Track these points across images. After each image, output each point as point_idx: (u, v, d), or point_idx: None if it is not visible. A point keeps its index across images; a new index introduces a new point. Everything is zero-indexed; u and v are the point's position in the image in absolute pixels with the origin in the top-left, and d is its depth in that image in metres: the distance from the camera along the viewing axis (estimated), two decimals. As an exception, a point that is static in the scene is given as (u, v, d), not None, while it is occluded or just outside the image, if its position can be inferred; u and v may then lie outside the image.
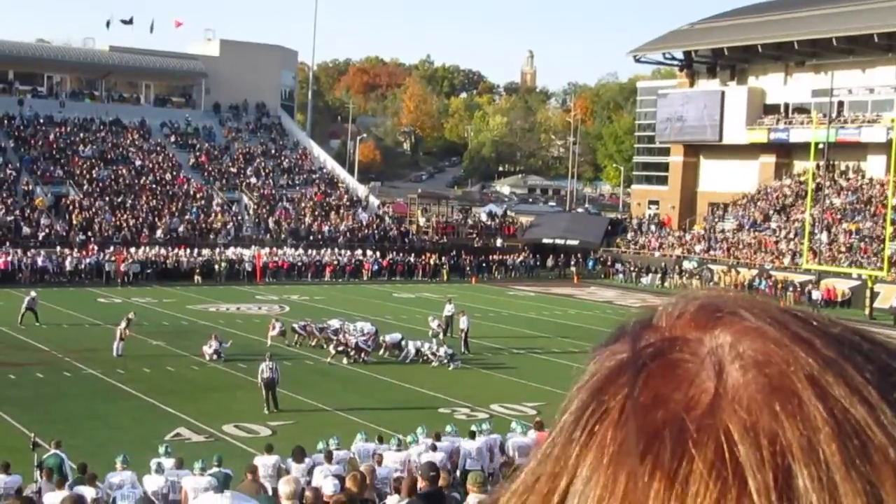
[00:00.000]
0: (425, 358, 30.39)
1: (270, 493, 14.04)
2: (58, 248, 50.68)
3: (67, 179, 59.66)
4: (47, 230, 53.20)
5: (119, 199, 58.68)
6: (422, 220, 68.23)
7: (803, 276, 52.63)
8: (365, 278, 55.50)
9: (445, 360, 30.05)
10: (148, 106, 72.10)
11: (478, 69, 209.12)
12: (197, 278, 50.66)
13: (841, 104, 63.22)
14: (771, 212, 63.53)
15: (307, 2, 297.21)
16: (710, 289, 0.76)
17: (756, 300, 0.71)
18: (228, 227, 59.05)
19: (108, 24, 74.87)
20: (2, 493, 14.38)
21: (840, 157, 63.61)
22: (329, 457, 15.58)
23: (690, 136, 69.75)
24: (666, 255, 62.34)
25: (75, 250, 50.75)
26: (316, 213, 63.27)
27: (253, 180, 65.84)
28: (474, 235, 66.60)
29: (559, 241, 65.32)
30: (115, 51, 71.86)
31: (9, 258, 48.40)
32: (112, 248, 51.53)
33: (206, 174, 65.33)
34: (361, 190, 70.23)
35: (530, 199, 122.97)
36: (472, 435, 17.71)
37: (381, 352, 31.13)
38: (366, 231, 62.23)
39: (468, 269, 59.60)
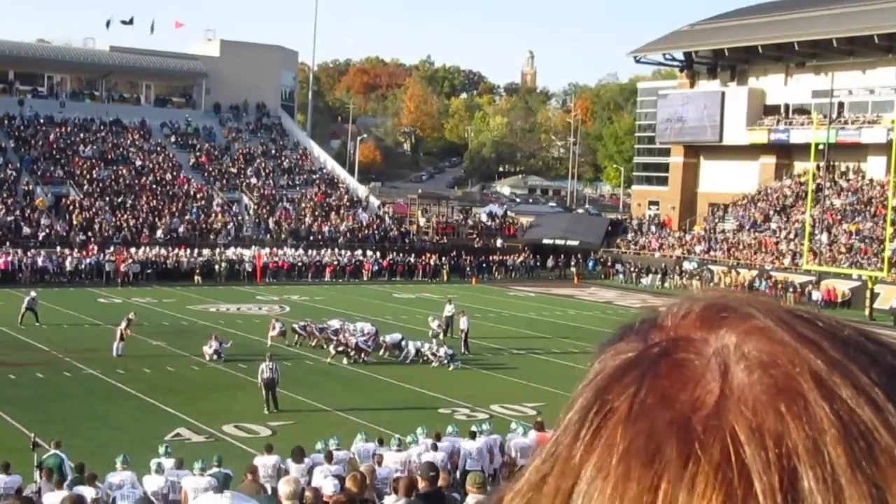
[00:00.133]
0: (425, 358, 30.40)
1: (270, 493, 14.05)
2: (58, 249, 50.69)
3: (68, 179, 59.68)
4: (47, 230, 53.20)
5: (119, 200, 58.69)
6: (422, 221, 68.24)
7: (803, 277, 52.63)
8: (365, 279, 55.50)
9: (445, 361, 30.05)
10: (148, 106, 72.12)
11: (478, 69, 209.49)
12: (197, 278, 50.66)
13: (841, 105, 63.23)
14: (771, 212, 63.54)
15: (307, 2, 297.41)
16: (716, 289, 0.76)
17: (761, 300, 0.70)
18: (229, 227, 59.06)
19: (107, 24, 74.94)
20: (2, 493, 14.37)
21: (840, 158, 63.62)
22: (329, 457, 15.58)
23: (691, 136, 69.77)
24: (666, 256, 62.35)
25: (75, 250, 50.75)
26: (316, 213, 63.28)
27: (253, 180, 65.85)
28: (474, 236, 66.63)
29: (559, 242, 65.33)
30: (115, 51, 71.89)
31: (9, 258, 48.41)
32: (112, 249, 51.53)
33: (206, 174, 65.34)
34: (362, 190, 70.24)
35: (530, 200, 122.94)
36: (473, 435, 17.71)
37: (382, 352, 31.13)
38: (366, 231, 62.24)
39: (468, 269, 59.60)
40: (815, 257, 52.72)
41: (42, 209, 55.27)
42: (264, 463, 15.95)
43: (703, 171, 71.58)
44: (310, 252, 56.76)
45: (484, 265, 60.67)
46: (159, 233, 55.82)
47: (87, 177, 60.35)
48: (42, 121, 64.95)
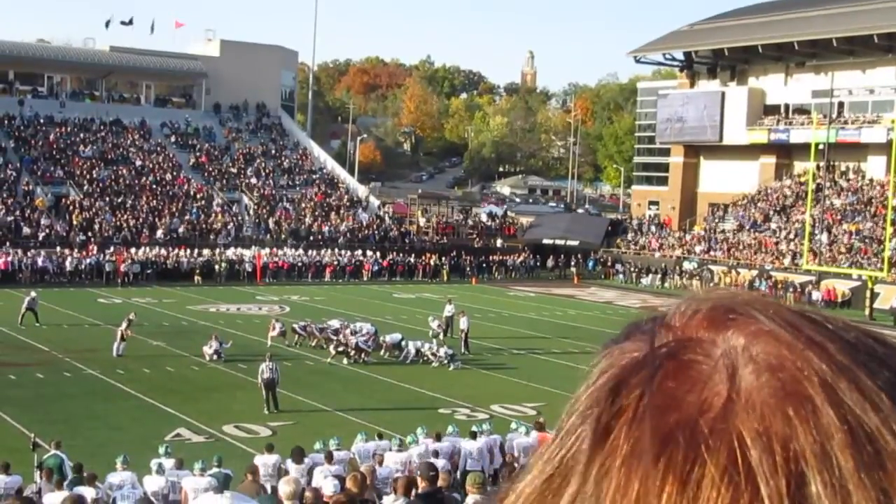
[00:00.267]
0: (425, 358, 30.40)
1: (270, 492, 14.05)
2: (58, 249, 50.67)
3: (68, 180, 59.68)
4: (47, 230, 53.20)
5: (119, 200, 58.69)
6: (422, 221, 68.25)
7: (803, 277, 52.63)
8: (365, 279, 55.50)
9: (446, 361, 30.05)
10: (148, 106, 72.12)
11: (478, 69, 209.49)
12: (197, 279, 50.66)
13: (841, 105, 63.24)
14: (771, 212, 63.55)
15: (307, 2, 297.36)
16: (724, 289, 0.75)
17: (770, 302, 0.70)
18: (229, 227, 59.06)
19: (107, 24, 74.87)
20: (2, 493, 14.37)
21: (840, 158, 63.62)
22: (329, 457, 15.59)
23: (691, 136, 69.77)
24: (666, 256, 62.35)
25: (75, 250, 50.75)
26: (316, 213, 63.28)
27: (253, 180, 65.85)
28: (474, 236, 66.64)
29: (559, 242, 65.33)
30: (115, 51, 71.89)
31: (9, 258, 48.41)
32: (112, 249, 51.51)
33: (206, 174, 65.34)
34: (362, 190, 70.24)
35: (531, 200, 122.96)
36: (474, 435, 17.72)
37: (382, 352, 31.14)
38: (366, 231, 62.24)
39: (468, 269, 59.59)
40: (815, 257, 52.72)
41: (42, 209, 55.27)
42: (265, 462, 15.96)
43: (703, 171, 71.58)
44: (310, 252, 56.76)
45: (484, 265, 60.67)
46: (159, 233, 55.81)
47: (87, 177, 60.35)
48: (42, 121, 64.95)
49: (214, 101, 73.15)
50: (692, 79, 71.44)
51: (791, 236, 59.27)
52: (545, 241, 65.94)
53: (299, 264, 55.27)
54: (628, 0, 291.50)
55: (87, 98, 70.56)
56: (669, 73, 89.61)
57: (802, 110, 65.44)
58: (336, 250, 57.83)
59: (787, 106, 66.95)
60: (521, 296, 51.63)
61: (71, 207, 56.40)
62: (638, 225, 70.41)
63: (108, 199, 58.47)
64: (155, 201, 59.58)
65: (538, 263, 63.19)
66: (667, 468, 0.61)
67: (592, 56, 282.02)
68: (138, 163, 63.81)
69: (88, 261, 50.01)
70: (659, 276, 59.39)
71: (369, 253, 58.43)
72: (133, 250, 51.94)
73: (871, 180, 61.75)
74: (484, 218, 72.59)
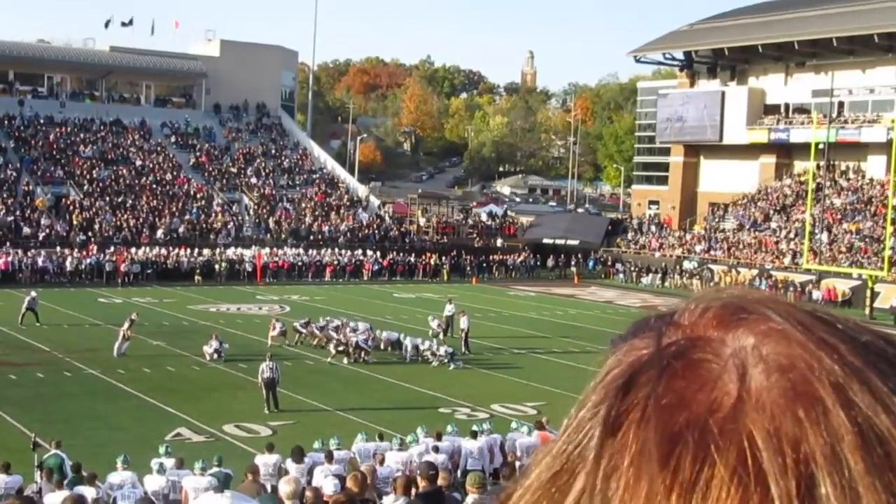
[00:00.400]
0: (424, 357, 30.40)
1: (270, 492, 14.05)
2: (58, 249, 50.68)
3: (68, 180, 59.68)
4: (48, 230, 53.21)
5: (119, 200, 58.70)
6: (422, 220, 68.27)
7: (804, 276, 52.64)
8: (365, 278, 55.50)
9: (446, 360, 30.04)
10: (148, 106, 72.12)
11: (478, 69, 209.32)
12: (197, 278, 50.67)
13: (841, 104, 63.23)
14: (771, 212, 63.55)
15: (307, 2, 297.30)
16: (734, 287, 0.75)
17: (780, 301, 0.69)
18: (229, 227, 59.06)
19: (106, 24, 74.88)
20: (2, 493, 14.36)
21: (840, 158, 63.61)
22: (329, 457, 15.59)
23: (691, 136, 69.76)
24: (666, 256, 62.35)
25: (76, 250, 50.75)
26: (316, 213, 63.29)
27: (253, 180, 65.86)
28: (475, 235, 66.65)
29: (559, 242, 65.32)
30: (115, 51, 71.90)
31: (9, 258, 48.41)
32: (112, 249, 51.51)
33: (206, 174, 65.35)
34: (362, 190, 70.24)
35: (531, 200, 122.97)
36: (474, 435, 17.72)
37: (382, 346, 31.22)
38: (366, 231, 62.25)
39: (468, 269, 59.59)
40: (815, 256, 52.72)
41: (42, 209, 55.27)
42: (265, 461, 15.96)
43: (704, 170, 71.58)
44: (310, 252, 56.76)
45: (484, 265, 60.66)
46: (159, 233, 55.82)
47: (88, 177, 60.36)
48: (42, 121, 64.95)
49: (214, 101, 73.14)
50: (692, 78, 71.44)
51: (791, 236, 59.27)
52: (545, 241, 65.93)
53: (299, 264, 55.27)
54: (628, 0, 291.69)
55: (88, 98, 70.56)
56: (669, 72, 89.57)
57: (802, 110, 65.43)
58: (336, 250, 57.83)
59: (787, 105, 66.94)
60: (522, 295, 51.62)
61: (71, 207, 56.41)
62: (638, 224, 70.41)
63: (108, 199, 58.48)
64: (155, 201, 59.59)
65: (538, 263, 63.18)
66: (676, 469, 0.60)
67: (592, 56, 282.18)
68: (138, 163, 63.82)
69: (89, 261, 50.01)
70: (659, 275, 59.39)
71: (369, 252, 58.43)
72: (133, 250, 51.95)
73: (871, 180, 61.76)
74: (484, 218, 72.60)
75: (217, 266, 52.41)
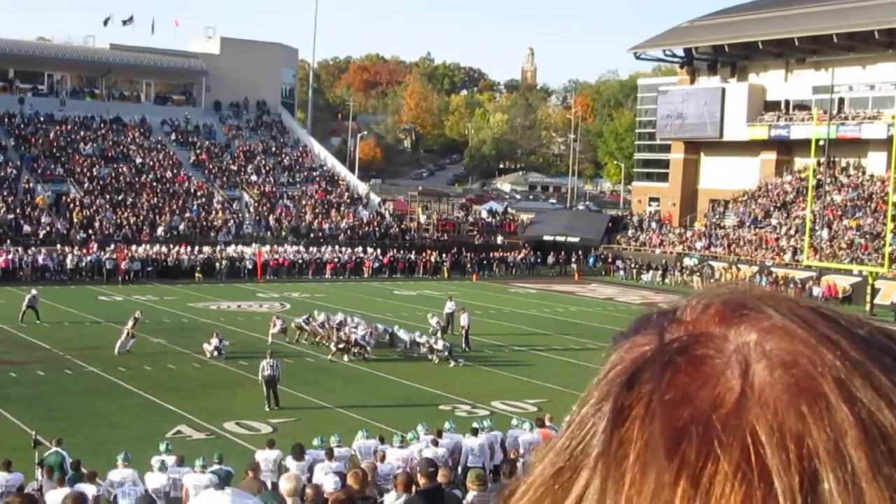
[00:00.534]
0: (422, 352, 30.39)
1: (270, 487, 14.06)
2: (58, 246, 50.68)
3: (68, 177, 59.68)
4: (48, 228, 53.22)
5: (120, 197, 58.70)
6: (422, 218, 68.29)
7: (804, 273, 52.62)
8: (366, 276, 55.51)
9: (445, 354, 30.01)
10: (148, 104, 72.13)
11: (478, 66, 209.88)
12: (198, 276, 50.68)
13: (841, 101, 63.18)
14: (772, 208, 63.53)
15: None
16: (737, 283, 0.74)
17: (783, 297, 0.69)
18: (229, 224, 59.07)
19: (106, 22, 74.83)
20: (3, 490, 14.37)
21: (841, 154, 63.58)
22: (330, 454, 15.59)
23: (691, 133, 69.72)
24: (667, 252, 62.33)
25: (76, 248, 50.76)
26: (317, 210, 63.30)
27: (253, 178, 65.85)
28: (475, 233, 66.65)
29: (560, 239, 65.30)
30: (115, 49, 71.85)
31: (10, 256, 48.41)
32: (113, 246, 51.52)
33: (206, 172, 65.34)
34: (362, 187, 70.24)
35: (531, 197, 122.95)
36: (475, 432, 17.73)
37: (382, 333, 31.30)
38: (366, 228, 62.25)
39: (469, 266, 59.60)
40: (815, 253, 52.69)
41: (42, 207, 55.28)
42: (265, 457, 15.96)
43: (704, 167, 71.55)
44: (310, 249, 56.77)
45: (484, 262, 60.67)
46: (160, 230, 55.83)
47: (88, 175, 60.36)
48: (42, 119, 64.94)
49: (215, 98, 73.13)
50: (692, 75, 71.40)
51: (792, 232, 59.26)
52: (546, 238, 65.93)
53: (300, 261, 55.28)
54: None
55: (88, 96, 70.54)
56: (670, 69, 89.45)
57: (803, 106, 65.38)
58: (336, 247, 57.82)
59: (787, 102, 66.90)
60: (522, 292, 51.62)
61: (71, 205, 56.41)
62: (638, 221, 70.39)
63: (108, 196, 58.48)
64: (155, 199, 59.59)
65: (539, 260, 63.20)
66: (680, 465, 0.61)
67: (593, 53, 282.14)
68: (139, 160, 63.81)
69: (89, 258, 50.02)
70: (659, 272, 59.37)
71: (370, 250, 58.43)
72: (134, 248, 51.95)
73: (872, 176, 61.73)
74: (484, 215, 72.60)
75: (217, 263, 52.42)
